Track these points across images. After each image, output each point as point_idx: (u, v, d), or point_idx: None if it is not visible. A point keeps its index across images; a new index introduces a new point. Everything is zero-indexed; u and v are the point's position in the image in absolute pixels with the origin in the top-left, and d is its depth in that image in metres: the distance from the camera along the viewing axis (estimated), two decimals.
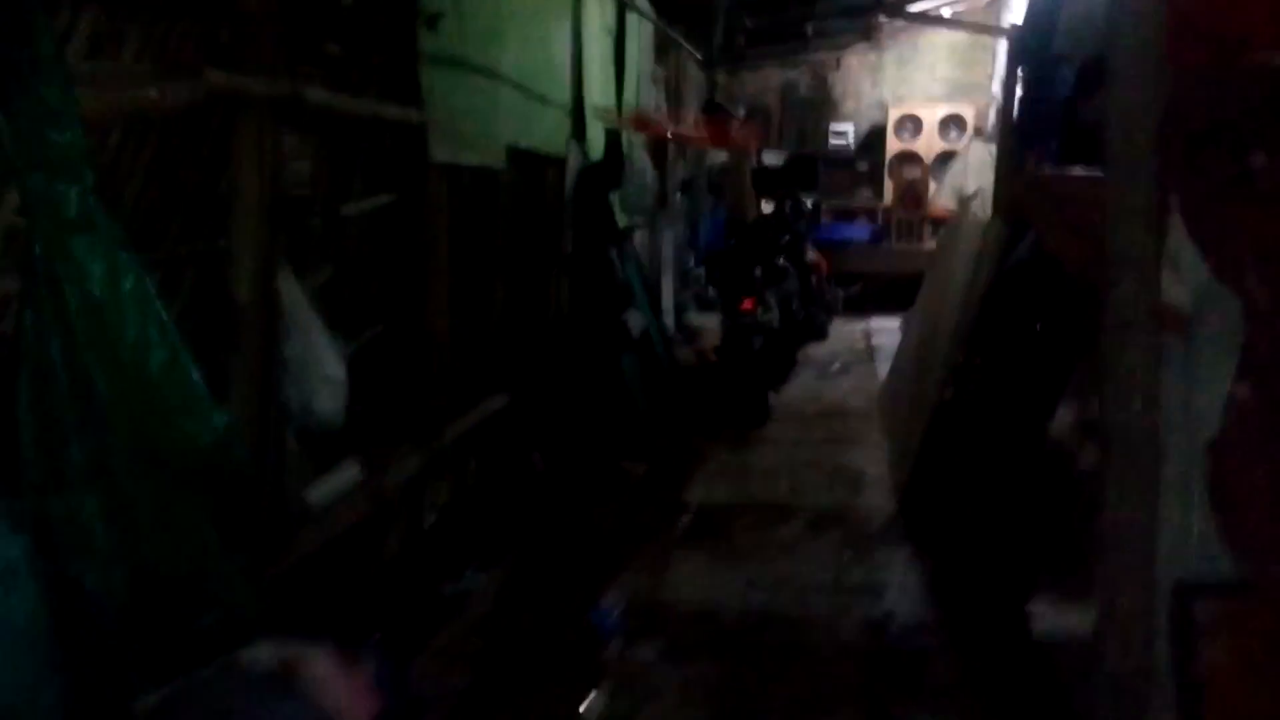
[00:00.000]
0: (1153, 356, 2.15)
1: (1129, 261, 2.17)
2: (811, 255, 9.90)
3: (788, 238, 9.13)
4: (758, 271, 7.85)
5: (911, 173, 11.70)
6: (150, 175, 2.38)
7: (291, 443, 2.81)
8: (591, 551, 4.46)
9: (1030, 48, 4.78)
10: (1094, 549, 2.25)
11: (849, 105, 12.22)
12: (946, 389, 4.94)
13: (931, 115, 11.51)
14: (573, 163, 5.61)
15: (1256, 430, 2.07)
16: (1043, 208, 3.95)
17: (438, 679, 3.25)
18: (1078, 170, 3.65)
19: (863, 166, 12.03)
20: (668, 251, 7.99)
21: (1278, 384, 2.09)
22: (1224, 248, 2.16)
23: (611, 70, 6.56)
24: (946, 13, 10.39)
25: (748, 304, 7.23)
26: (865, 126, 12.06)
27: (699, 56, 9.96)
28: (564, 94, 5.54)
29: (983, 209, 5.62)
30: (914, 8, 10.03)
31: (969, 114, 11.27)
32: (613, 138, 6.20)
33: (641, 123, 6.93)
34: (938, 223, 10.47)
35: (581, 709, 3.19)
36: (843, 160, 12.02)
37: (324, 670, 2.13)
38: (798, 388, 7.77)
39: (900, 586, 4.11)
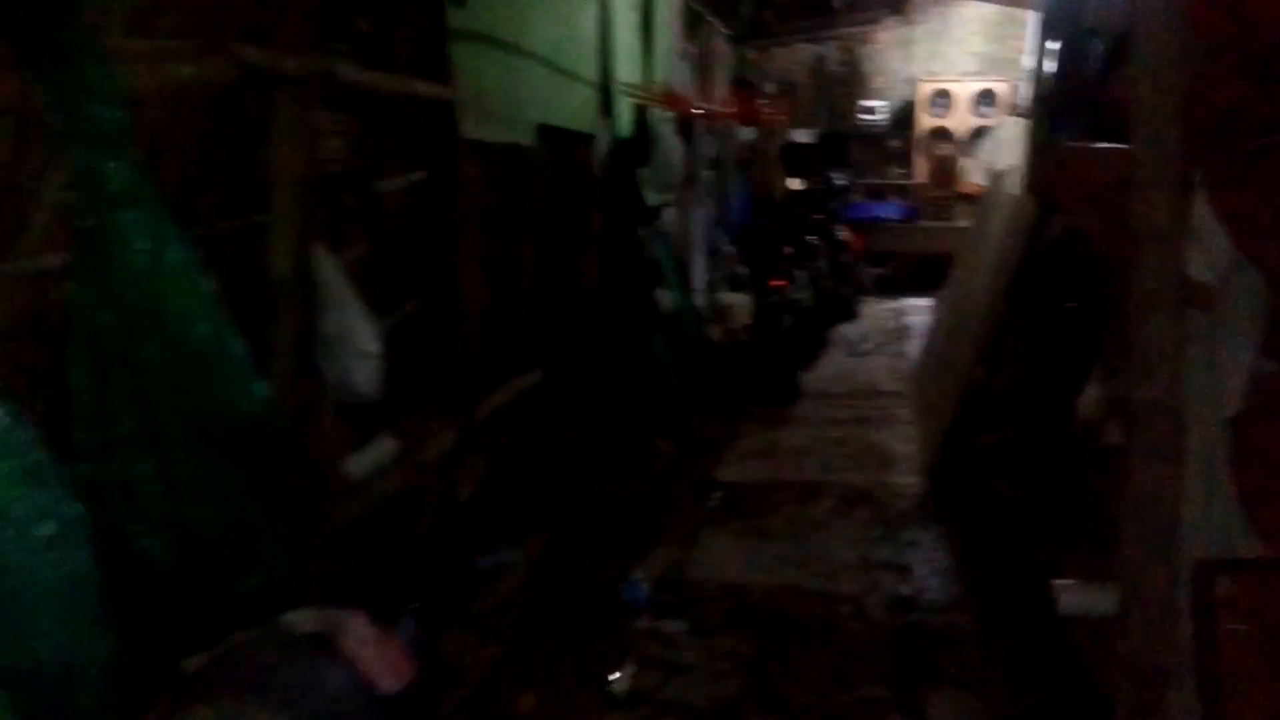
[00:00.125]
0: (1176, 332, 2.16)
1: (1153, 236, 2.18)
2: (843, 234, 9.87)
3: (819, 216, 9.11)
4: (788, 250, 7.85)
5: (943, 149, 11.59)
6: (190, 151, 2.43)
7: (330, 415, 2.87)
8: (622, 527, 4.51)
9: (1061, 21, 4.74)
10: (1118, 527, 2.26)
11: (880, 81, 12.12)
12: (977, 368, 4.94)
13: (963, 91, 11.39)
14: (601, 140, 5.62)
15: (1278, 406, 2.07)
16: (1070, 183, 3.94)
17: (471, 650, 3.31)
18: (1105, 145, 3.63)
19: (894, 143, 11.93)
20: (698, 229, 7.98)
21: None
22: (1249, 223, 2.15)
23: (639, 46, 6.55)
24: None
25: (778, 282, 7.23)
26: (896, 103, 11.96)
27: (728, 32, 9.91)
28: (592, 70, 5.55)
29: (1015, 186, 5.59)
30: None
31: (1002, 89, 11.14)
32: (641, 115, 6.21)
33: (670, 99, 6.92)
34: (970, 200, 10.39)
35: (610, 681, 3.24)
36: (873, 137, 11.94)
37: (362, 637, 2.19)
38: (828, 367, 7.77)
39: (928, 565, 4.14)
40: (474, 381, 3.99)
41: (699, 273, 7.99)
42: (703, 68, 8.86)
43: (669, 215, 6.90)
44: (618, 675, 3.27)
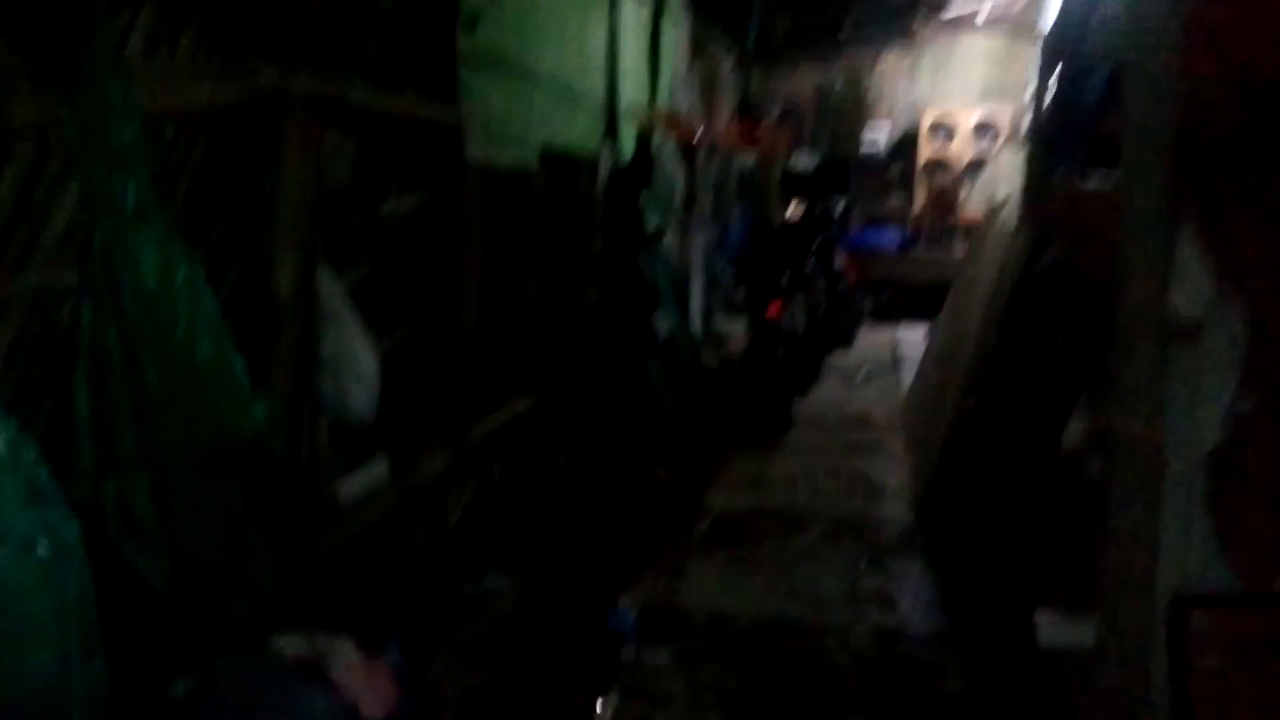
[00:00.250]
0: (1159, 367, 2.20)
1: (1139, 270, 2.22)
2: (840, 261, 9.92)
3: (817, 243, 9.16)
4: (785, 277, 7.89)
5: (943, 179, 11.69)
6: (200, 171, 2.47)
7: (324, 436, 2.90)
8: (611, 555, 4.51)
9: (1061, 53, 4.79)
10: (1098, 560, 2.30)
11: (883, 108, 12.22)
12: (968, 399, 4.98)
13: (965, 120, 11.49)
14: (605, 164, 5.69)
15: (1256, 443, 2.12)
16: (1064, 216, 3.99)
17: (456, 676, 3.31)
18: (1099, 179, 3.69)
19: (894, 172, 12.03)
20: (696, 254, 8.05)
21: (1278, 395, 2.14)
22: (1232, 259, 2.20)
23: (646, 69, 6.62)
24: (982, 15, 10.38)
25: (774, 309, 7.28)
26: (898, 131, 12.05)
27: (734, 56, 10.01)
28: (598, 94, 5.61)
29: (1012, 217, 5.64)
30: (950, 11, 10.02)
31: (1004, 119, 11.23)
32: (643, 138, 6.27)
33: (672, 123, 6.99)
34: (969, 230, 10.47)
35: (595, 712, 3.26)
36: (874, 165, 12.03)
37: (349, 663, 2.21)
38: (822, 395, 7.80)
39: (913, 596, 4.16)
40: (468, 405, 4.02)
41: (696, 298, 8.05)
42: (707, 90, 8.95)
43: (668, 239, 6.95)
44: (602, 706, 3.27)
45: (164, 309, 2.02)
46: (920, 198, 11.74)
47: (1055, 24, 5.12)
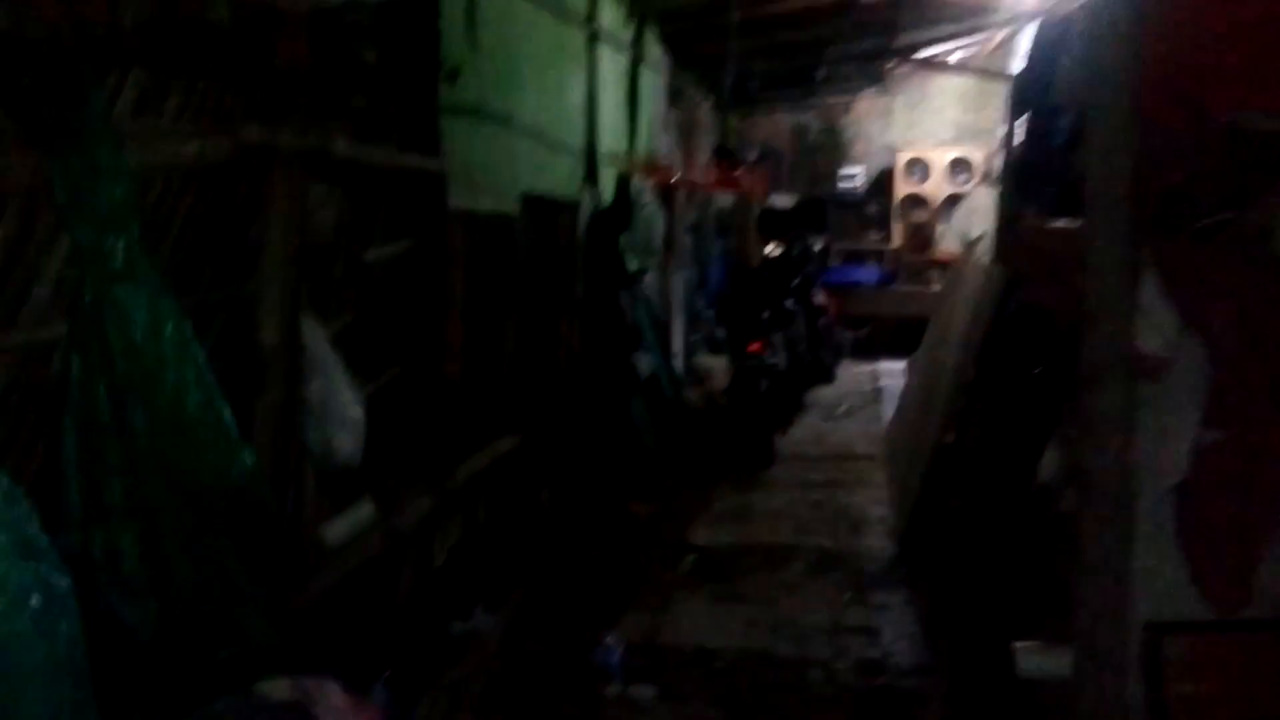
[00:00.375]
0: (1126, 403, 2.27)
1: (1104, 310, 2.29)
2: (820, 298, 10.03)
3: (797, 280, 9.27)
4: (766, 314, 7.98)
5: (919, 216, 11.87)
6: (186, 224, 2.52)
7: (311, 482, 2.93)
8: (597, 592, 4.55)
9: (1029, 96, 4.91)
10: (1074, 590, 2.35)
11: (859, 148, 12.43)
12: (947, 433, 5.05)
13: (939, 159, 11.69)
14: (585, 208, 5.77)
15: (1221, 474, 2.19)
16: (1030, 258, 4.08)
17: (443, 717, 3.32)
18: (1065, 221, 3.78)
19: (871, 209, 12.21)
20: (677, 294, 8.14)
21: (1241, 429, 2.21)
22: (1193, 298, 2.28)
23: (625, 115, 6.75)
24: (953, 58, 10.60)
25: (755, 346, 7.35)
26: (875, 170, 12.25)
27: (712, 101, 10.16)
28: (577, 140, 5.72)
29: (986, 254, 5.75)
30: (922, 53, 10.23)
31: (977, 158, 11.44)
32: (623, 182, 6.37)
33: (650, 169, 7.10)
34: (945, 266, 10.62)
35: None
36: (852, 203, 12.20)
37: (336, 706, 2.22)
38: (804, 430, 7.88)
39: (896, 628, 4.20)
40: (453, 447, 4.06)
41: (678, 337, 8.12)
42: (686, 134, 9.09)
43: (649, 280, 7.04)
44: None
45: (153, 362, 2.06)
46: (897, 234, 11.91)
47: (1023, 68, 5.24)
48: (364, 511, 3.28)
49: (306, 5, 2.74)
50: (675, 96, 8.59)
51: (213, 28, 2.47)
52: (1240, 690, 2.24)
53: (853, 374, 10.11)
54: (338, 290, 3.27)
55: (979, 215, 10.47)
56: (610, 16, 6.26)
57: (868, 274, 11.74)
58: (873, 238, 12.18)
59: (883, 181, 12.09)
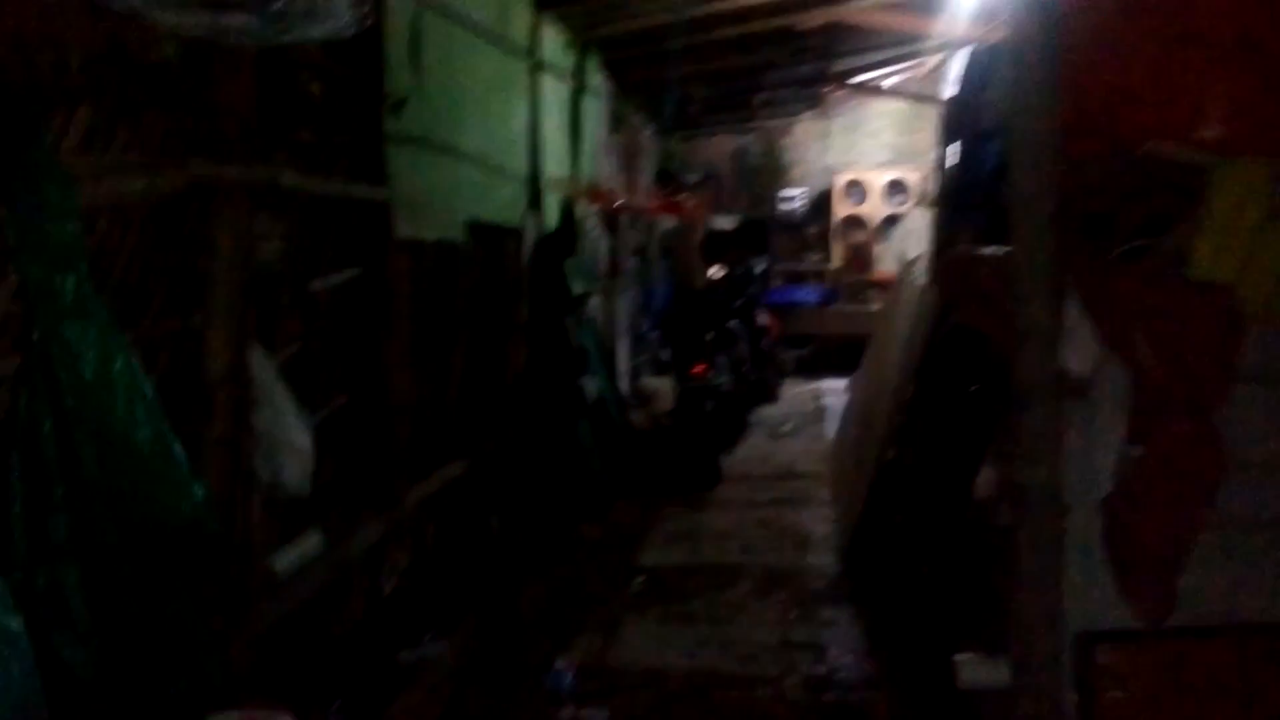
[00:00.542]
0: (1055, 420, 2.37)
1: (1032, 333, 2.39)
2: (763, 318, 10.17)
3: (740, 301, 9.39)
4: (710, 335, 8.07)
5: (858, 237, 12.10)
6: (133, 258, 2.53)
7: (259, 512, 2.93)
8: (546, 615, 4.57)
9: (960, 122, 5.04)
10: (1010, 601, 2.44)
11: (798, 171, 12.64)
12: (888, 450, 5.15)
13: (877, 181, 11.94)
14: (529, 234, 5.82)
15: (1143, 488, 2.29)
16: (961, 282, 4.20)
17: None
18: (994, 249, 3.90)
19: (811, 231, 12.41)
20: (622, 316, 8.20)
21: (1162, 444, 2.32)
22: (1115, 321, 2.39)
23: (568, 142, 6.82)
24: (888, 83, 10.84)
25: (700, 368, 7.43)
26: (814, 191, 12.46)
27: (653, 126, 10.28)
28: (521, 166, 5.77)
29: (922, 274, 5.89)
30: (858, 78, 10.45)
31: (913, 179, 11.70)
32: (567, 207, 6.43)
33: (594, 194, 7.17)
34: (884, 285, 10.82)
35: None
36: (792, 224, 12.39)
37: None
38: (749, 450, 7.97)
39: (842, 644, 4.28)
40: (401, 474, 4.07)
41: (623, 359, 8.18)
42: (628, 159, 9.18)
43: (594, 304, 7.09)
44: None
45: (102, 398, 2.06)
46: (837, 255, 12.12)
47: (954, 94, 5.39)
48: (312, 541, 3.28)
49: (253, 43, 2.77)
50: (617, 122, 8.68)
51: (160, 66, 2.49)
52: (1168, 696, 2.34)
53: (796, 393, 10.25)
54: (285, 319, 3.27)
55: (916, 236, 10.71)
56: (552, 46, 6.34)
57: (809, 294, 11.92)
58: (813, 258, 12.38)
59: (822, 203, 12.30)
